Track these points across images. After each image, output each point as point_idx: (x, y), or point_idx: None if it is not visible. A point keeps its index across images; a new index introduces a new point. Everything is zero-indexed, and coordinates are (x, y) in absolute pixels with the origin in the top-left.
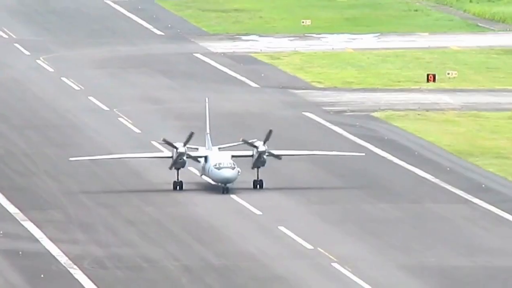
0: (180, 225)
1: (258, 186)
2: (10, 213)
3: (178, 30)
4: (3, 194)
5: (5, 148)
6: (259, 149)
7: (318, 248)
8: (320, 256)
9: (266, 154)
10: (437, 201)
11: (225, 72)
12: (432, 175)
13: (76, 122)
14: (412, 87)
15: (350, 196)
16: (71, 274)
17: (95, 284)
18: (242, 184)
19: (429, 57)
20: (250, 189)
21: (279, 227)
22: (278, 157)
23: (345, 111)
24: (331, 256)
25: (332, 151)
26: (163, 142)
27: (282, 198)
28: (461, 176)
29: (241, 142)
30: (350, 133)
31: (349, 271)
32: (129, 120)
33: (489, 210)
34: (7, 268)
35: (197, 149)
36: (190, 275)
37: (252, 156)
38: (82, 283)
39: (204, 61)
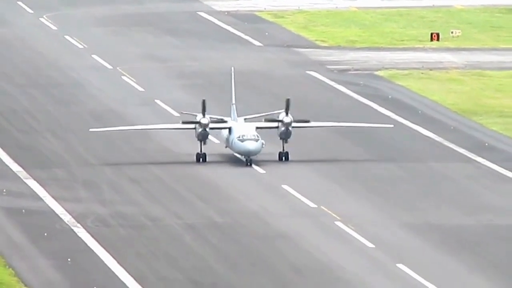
0: (184, 184)
1: (284, 158)
2: (13, 171)
3: None
4: (6, 152)
5: (9, 107)
6: (285, 121)
7: (321, 206)
8: (324, 214)
9: (292, 126)
10: (440, 160)
11: (229, 31)
12: (436, 134)
13: (79, 80)
14: (416, 46)
15: (353, 155)
16: (74, 233)
17: (98, 242)
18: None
19: (433, 16)
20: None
21: (283, 186)
22: (305, 121)
23: (349, 70)
24: (334, 215)
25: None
26: (185, 119)
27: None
28: (464, 135)
29: (267, 114)
30: (354, 92)
31: (352, 229)
32: (132, 79)
33: (492, 169)
34: (10, 226)
35: (222, 119)
36: (193, 233)
37: (277, 127)
38: (85, 241)
39: (208, 20)
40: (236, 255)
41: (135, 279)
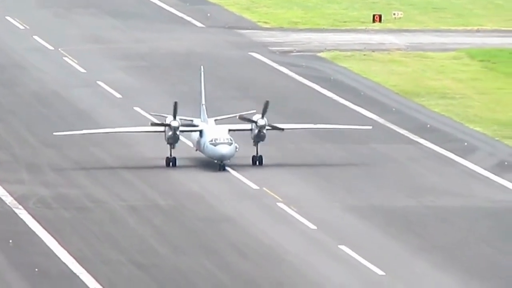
0: (127, 167)
1: (257, 162)
2: None
3: None
4: None
5: None
6: (259, 124)
7: (263, 188)
8: (266, 196)
9: (266, 128)
10: (383, 141)
11: (171, 12)
12: (378, 115)
13: (21, 62)
14: (358, 28)
15: (295, 136)
16: (16, 214)
17: (40, 224)
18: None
19: None
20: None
21: (226, 168)
22: (280, 129)
23: (291, 52)
24: (276, 196)
25: (336, 123)
26: (153, 123)
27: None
28: (406, 116)
29: (239, 115)
30: (296, 73)
31: (294, 211)
32: (74, 60)
33: (434, 150)
34: None
35: (191, 121)
36: (137, 216)
37: (251, 130)
38: (27, 223)
39: (150, 1)
40: (179, 237)
41: (77, 260)
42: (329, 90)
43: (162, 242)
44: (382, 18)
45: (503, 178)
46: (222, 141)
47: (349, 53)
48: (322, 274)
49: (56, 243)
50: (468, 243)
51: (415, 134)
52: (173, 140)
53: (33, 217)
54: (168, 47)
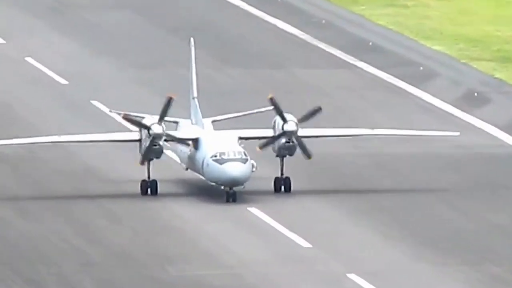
0: None
1: (282, 187)
2: None
3: None
4: None
5: None
6: (287, 130)
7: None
8: None
9: (298, 135)
10: (307, 65)
11: None
12: (300, 29)
13: None
14: None
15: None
16: None
17: None
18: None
19: None
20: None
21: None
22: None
23: None
24: None
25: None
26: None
27: None
28: (340, 31)
29: (244, 114)
30: None
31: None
32: None
33: (377, 77)
34: None
35: (176, 123)
36: None
37: (273, 138)
38: None
39: None
40: None
41: None
42: None
43: None
44: None
45: (471, 114)
46: (232, 156)
47: None
48: None
49: None
50: (420, 204)
51: (352, 55)
52: (153, 154)
53: None
54: None
